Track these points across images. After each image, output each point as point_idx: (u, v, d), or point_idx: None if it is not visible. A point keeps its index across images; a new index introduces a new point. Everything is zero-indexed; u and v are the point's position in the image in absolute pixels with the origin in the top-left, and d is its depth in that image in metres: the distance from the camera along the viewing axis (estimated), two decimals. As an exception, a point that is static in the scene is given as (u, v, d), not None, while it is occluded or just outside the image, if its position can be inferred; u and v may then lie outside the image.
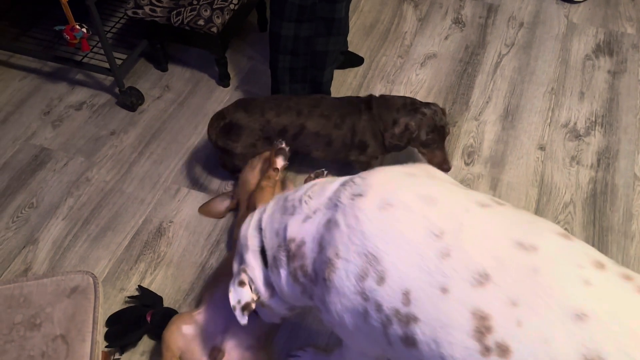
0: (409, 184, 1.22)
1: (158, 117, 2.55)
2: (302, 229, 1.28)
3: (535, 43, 2.87)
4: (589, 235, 2.14)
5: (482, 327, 0.99)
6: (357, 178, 1.26)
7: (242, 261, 1.45)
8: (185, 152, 2.42)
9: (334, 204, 1.25)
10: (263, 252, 1.39)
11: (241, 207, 2.06)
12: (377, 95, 2.14)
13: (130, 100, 2.53)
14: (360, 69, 2.75)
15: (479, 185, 2.28)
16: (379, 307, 1.12)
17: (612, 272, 1.01)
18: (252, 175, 2.06)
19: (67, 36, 2.27)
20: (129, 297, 1.95)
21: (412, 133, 2.03)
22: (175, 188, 2.29)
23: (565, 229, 2.16)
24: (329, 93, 2.43)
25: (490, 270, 1.02)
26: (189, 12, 2.40)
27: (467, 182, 2.29)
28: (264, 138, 2.09)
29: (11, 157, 2.39)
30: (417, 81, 2.69)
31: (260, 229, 1.40)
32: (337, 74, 2.61)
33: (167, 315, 1.86)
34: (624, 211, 2.22)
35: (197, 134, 2.48)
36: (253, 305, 1.40)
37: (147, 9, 2.42)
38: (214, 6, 2.42)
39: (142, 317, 1.85)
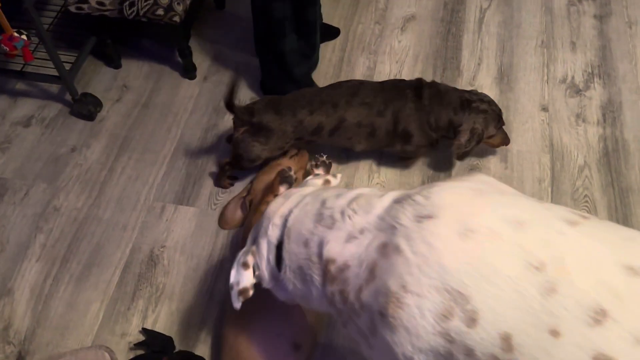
0: (485, 203, 1.05)
1: (122, 124, 2.25)
2: (346, 250, 1.11)
3: (515, -8, 2.70)
4: (610, 199, 2.04)
5: None
6: (418, 196, 1.08)
7: (254, 241, 1.32)
8: (162, 161, 2.15)
9: (389, 225, 1.07)
10: (279, 247, 1.25)
11: (252, 208, 1.88)
12: (427, 80, 1.98)
13: (87, 108, 2.21)
14: (337, 42, 2.51)
15: (489, 161, 2.13)
16: (469, 352, 0.96)
17: None
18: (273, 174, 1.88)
19: (5, 47, 1.94)
20: (134, 344, 1.72)
21: (481, 134, 1.91)
22: (160, 206, 2.03)
23: (585, 195, 2.05)
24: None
25: (606, 304, 0.87)
26: (145, 2, 2.08)
27: (475, 160, 2.14)
28: (296, 139, 1.91)
29: (-41, 194, 2.07)
30: (400, 49, 2.48)
31: (285, 223, 1.25)
32: (315, 51, 2.37)
33: (184, 359, 1.66)
34: (639, 167, 2.13)
35: (171, 139, 2.21)
36: (250, 293, 1.29)
37: (93, 2, 2.09)
38: (172, -9, 2.11)
39: (157, 367, 1.63)
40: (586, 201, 2.04)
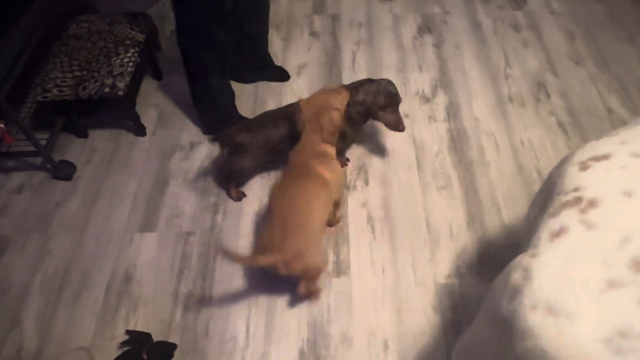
0: None
1: (94, 179, 2.22)
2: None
3: (375, 37, 2.81)
4: (460, 171, 2.14)
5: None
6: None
7: None
8: (127, 202, 2.13)
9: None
10: None
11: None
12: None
13: (64, 172, 2.18)
14: (250, 88, 2.55)
15: (373, 158, 2.20)
16: (558, 179, 1.14)
17: None
18: None
19: (-14, 136, 1.89)
20: (121, 343, 1.69)
21: (369, 102, 1.93)
22: (129, 236, 2.01)
23: (442, 172, 2.15)
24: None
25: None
26: (94, 84, 2.07)
27: (364, 158, 2.21)
28: (268, 148, 1.94)
29: (-31, 254, 1.99)
30: (298, 88, 2.54)
31: None
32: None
33: (161, 348, 1.65)
34: (477, 146, 2.24)
35: (132, 184, 2.19)
36: None
37: (54, 90, 2.07)
38: (114, 73, 2.11)
39: (139, 357, 1.61)
40: (443, 176, 2.13)
